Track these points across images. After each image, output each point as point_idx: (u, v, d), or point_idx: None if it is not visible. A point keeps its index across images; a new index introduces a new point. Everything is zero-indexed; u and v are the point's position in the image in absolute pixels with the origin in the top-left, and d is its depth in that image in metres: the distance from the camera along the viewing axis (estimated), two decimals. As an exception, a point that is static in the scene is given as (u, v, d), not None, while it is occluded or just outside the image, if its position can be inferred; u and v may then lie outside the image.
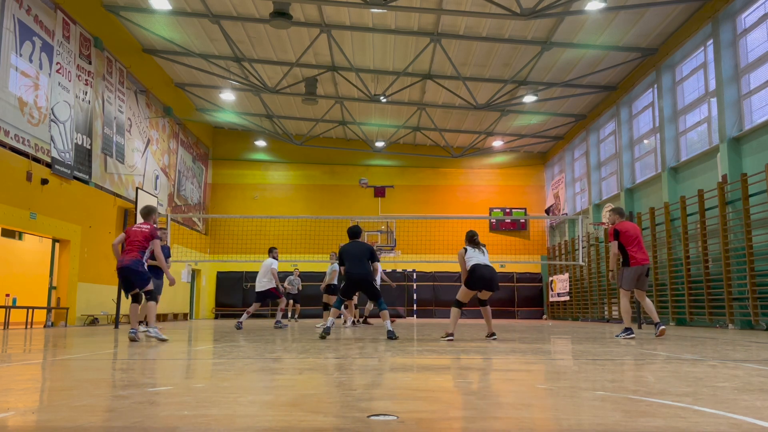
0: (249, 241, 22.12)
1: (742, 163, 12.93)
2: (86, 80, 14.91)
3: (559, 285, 23.76)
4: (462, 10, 14.69)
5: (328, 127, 24.41)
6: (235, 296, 25.53)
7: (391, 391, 3.06)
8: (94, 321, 15.01)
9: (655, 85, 16.79)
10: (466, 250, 7.97)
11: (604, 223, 19.01)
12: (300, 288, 18.31)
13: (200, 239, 24.11)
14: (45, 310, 13.88)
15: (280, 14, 14.21)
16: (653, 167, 17.27)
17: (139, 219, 17.43)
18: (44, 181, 12.97)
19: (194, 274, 24.21)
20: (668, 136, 15.92)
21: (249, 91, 20.64)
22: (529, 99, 19.54)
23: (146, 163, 18.79)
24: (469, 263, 7.81)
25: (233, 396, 2.85)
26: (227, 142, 26.62)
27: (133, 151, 17.74)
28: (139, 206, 16.87)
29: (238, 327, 11.57)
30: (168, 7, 15.24)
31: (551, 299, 24.85)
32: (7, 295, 14.66)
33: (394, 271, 24.31)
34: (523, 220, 26.30)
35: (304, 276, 19.85)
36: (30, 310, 13.16)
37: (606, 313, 19.63)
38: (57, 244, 14.18)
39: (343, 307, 9.66)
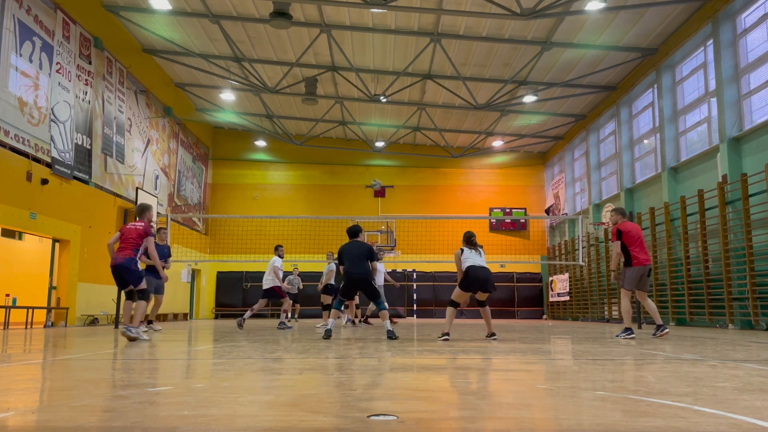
0: (249, 241, 22.13)
1: (742, 163, 12.93)
2: (86, 80, 14.91)
3: (559, 285, 23.76)
4: (462, 10, 14.69)
5: (328, 127, 24.41)
6: (235, 296, 25.52)
7: (391, 391, 3.06)
8: (94, 321, 15.01)
9: (655, 85, 16.79)
10: (462, 250, 7.96)
11: (604, 223, 19.02)
12: (300, 287, 18.30)
13: (200, 239, 24.11)
14: (45, 310, 13.88)
15: (280, 14, 14.21)
16: (653, 167, 17.27)
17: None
18: (44, 181, 12.98)
19: (194, 274, 24.21)
20: (668, 136, 15.93)
21: (249, 91, 20.65)
22: (529, 99, 19.54)
23: (146, 163, 18.79)
24: (465, 264, 7.81)
25: (233, 396, 2.85)
26: (227, 142, 26.63)
27: (133, 151, 17.74)
28: (139, 206, 16.91)
29: (240, 325, 11.54)
30: (168, 7, 15.24)
31: (551, 299, 24.85)
32: (7, 295, 14.66)
33: (394, 271, 24.29)
34: (523, 220, 26.30)
35: (304, 276, 19.85)
36: (30, 310, 13.16)
37: (606, 313, 19.63)
38: (57, 244, 14.18)
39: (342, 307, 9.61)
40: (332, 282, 13.99)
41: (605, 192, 20.85)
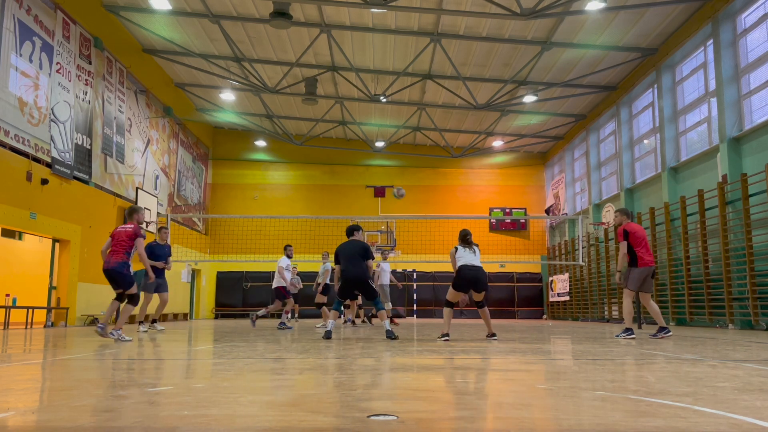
0: (249, 241, 22.14)
1: (742, 163, 12.93)
2: (86, 80, 14.91)
3: (559, 285, 23.76)
4: (462, 10, 14.69)
5: (328, 127, 24.41)
6: (235, 296, 25.53)
7: (391, 391, 3.06)
8: (94, 321, 15.00)
9: (655, 85, 16.79)
10: (457, 249, 7.95)
11: (604, 223, 19.02)
12: (300, 287, 18.29)
13: (200, 239, 24.11)
14: (45, 310, 13.88)
15: (280, 14, 14.21)
16: (653, 167, 17.27)
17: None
18: (44, 181, 12.97)
19: (194, 274, 24.21)
20: (668, 136, 15.93)
21: (249, 91, 20.65)
22: (529, 99, 19.54)
23: (146, 163, 18.79)
24: (458, 263, 7.80)
25: (233, 396, 2.85)
26: (227, 142, 26.63)
27: (133, 151, 17.74)
28: (140, 206, 16.91)
29: (253, 322, 11.57)
30: (168, 7, 15.24)
31: (551, 299, 24.85)
32: (7, 295, 14.66)
33: (394, 271, 24.28)
34: (523, 220, 26.30)
35: (304, 276, 19.84)
36: (30, 310, 13.16)
37: (606, 313, 19.63)
38: (57, 244, 14.18)
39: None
40: (327, 281, 13.94)
41: (605, 192, 20.85)
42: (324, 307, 13.00)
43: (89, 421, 2.26)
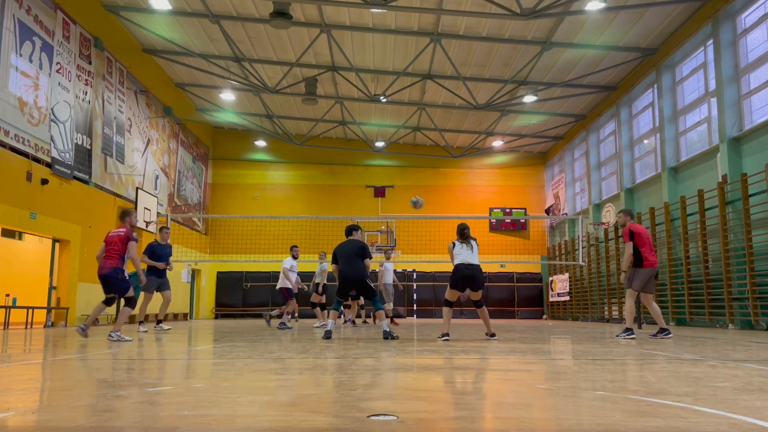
0: (249, 241, 22.14)
1: (742, 163, 12.93)
2: (86, 80, 14.91)
3: (559, 285, 23.76)
4: (462, 10, 14.69)
5: (328, 127, 24.41)
6: (235, 296, 25.52)
7: (391, 391, 3.06)
8: (94, 321, 14.99)
9: (655, 85, 16.79)
10: (454, 244, 7.92)
11: (604, 223, 19.02)
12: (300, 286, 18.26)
13: (200, 239, 24.11)
14: (45, 310, 13.88)
15: (280, 14, 14.20)
16: (653, 167, 17.27)
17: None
18: (44, 181, 12.97)
19: (194, 274, 24.21)
20: (668, 136, 15.93)
21: (249, 91, 20.65)
22: (529, 99, 19.54)
23: (146, 163, 18.79)
24: (455, 261, 7.79)
25: (233, 396, 2.85)
26: (227, 142, 26.63)
27: (133, 151, 17.74)
28: (140, 206, 16.91)
29: (267, 321, 11.58)
30: (168, 7, 15.24)
31: (551, 299, 24.85)
32: (7, 295, 14.66)
33: (394, 271, 24.28)
34: (523, 220, 26.30)
35: (304, 276, 19.82)
36: (30, 310, 13.16)
37: (606, 313, 19.63)
38: (57, 244, 14.18)
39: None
40: (326, 281, 13.89)
41: (605, 192, 20.85)
42: (317, 308, 12.98)
43: (89, 421, 2.26)
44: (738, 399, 2.79)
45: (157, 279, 10.58)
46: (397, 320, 14.02)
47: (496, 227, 26.28)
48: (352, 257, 8.16)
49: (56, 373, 4.09)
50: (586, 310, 21.40)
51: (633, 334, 8.27)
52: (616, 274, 18.80)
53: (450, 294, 7.87)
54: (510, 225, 26.46)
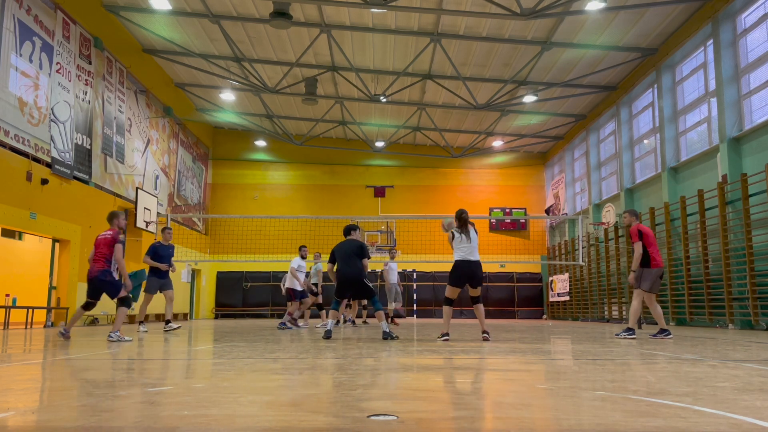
0: (249, 241, 22.13)
1: (742, 163, 12.93)
2: (86, 80, 14.91)
3: (559, 285, 23.76)
4: (462, 10, 14.69)
5: (328, 127, 24.41)
6: (235, 296, 25.53)
7: (391, 391, 3.06)
8: (94, 321, 15.01)
9: (655, 85, 16.79)
10: (453, 234, 7.83)
11: (604, 223, 19.02)
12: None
13: (200, 239, 24.11)
14: (45, 310, 13.88)
15: (280, 14, 14.20)
16: (653, 167, 17.27)
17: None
18: (44, 181, 12.97)
19: (194, 274, 24.21)
20: (668, 136, 15.93)
21: (249, 91, 20.65)
22: (529, 99, 19.54)
23: (146, 163, 18.79)
24: (455, 256, 7.75)
25: (233, 396, 2.85)
26: (227, 142, 26.63)
27: (133, 151, 17.74)
28: (140, 206, 16.90)
29: (294, 322, 11.63)
30: (168, 7, 15.24)
31: (551, 299, 24.85)
32: (7, 295, 14.66)
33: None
34: (523, 220, 26.30)
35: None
36: (30, 310, 13.16)
37: (606, 313, 19.64)
38: (57, 244, 14.17)
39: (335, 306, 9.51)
40: (321, 282, 13.86)
41: (605, 192, 20.85)
42: (307, 309, 12.98)
43: (89, 421, 2.26)
44: (738, 399, 2.79)
45: (159, 280, 10.55)
46: (397, 320, 14.01)
47: (496, 227, 26.28)
48: (350, 257, 8.13)
49: (56, 373, 4.09)
50: (586, 310, 21.40)
51: (634, 334, 8.28)
52: (616, 274, 18.81)
53: (450, 291, 7.81)
54: (510, 225, 26.46)
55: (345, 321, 13.92)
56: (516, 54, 17.25)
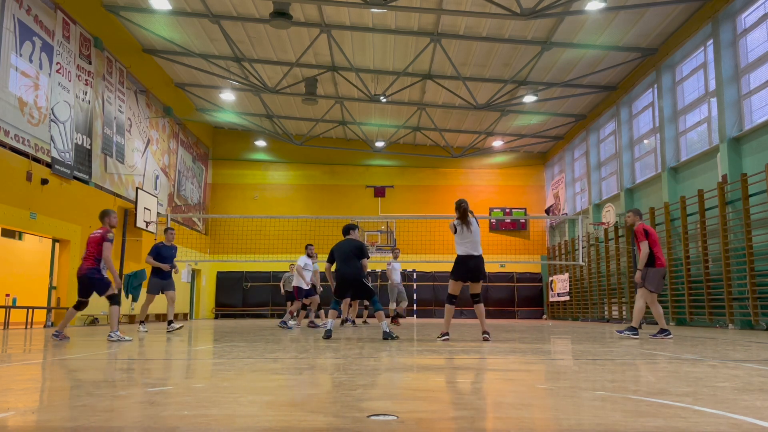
0: (249, 241, 22.13)
1: (742, 163, 12.93)
2: (86, 80, 14.91)
3: (559, 285, 23.76)
4: (462, 10, 14.69)
5: (328, 127, 24.41)
6: (235, 296, 25.53)
7: (391, 391, 3.06)
8: (94, 321, 15.01)
9: (655, 85, 16.79)
10: (455, 228, 7.75)
11: (604, 223, 19.02)
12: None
13: (200, 239, 24.11)
14: (45, 310, 13.88)
15: (280, 14, 14.20)
16: (653, 167, 17.27)
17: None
18: (44, 181, 12.97)
19: (194, 274, 24.21)
20: (668, 136, 15.93)
21: (249, 91, 20.65)
22: (529, 99, 19.54)
23: (146, 163, 18.79)
24: (457, 250, 7.73)
25: (233, 396, 2.85)
26: (227, 142, 26.63)
27: (133, 151, 17.74)
28: (140, 206, 16.91)
29: (311, 324, 11.64)
30: (168, 7, 15.24)
31: (551, 299, 24.86)
32: (7, 295, 14.67)
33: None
34: (523, 220, 26.30)
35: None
36: (30, 310, 13.16)
37: (606, 313, 19.64)
38: (57, 244, 14.17)
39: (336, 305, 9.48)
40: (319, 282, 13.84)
41: (605, 192, 20.85)
42: (300, 310, 12.96)
43: (89, 421, 2.26)
44: (738, 399, 2.79)
45: (162, 281, 10.52)
46: (398, 321, 13.98)
47: (496, 227, 26.28)
48: (349, 257, 8.12)
49: (56, 373, 4.09)
50: (586, 310, 21.40)
51: (637, 333, 8.29)
52: (616, 274, 18.81)
53: (453, 286, 7.74)
54: (510, 225, 26.46)
55: (344, 321, 13.90)
56: (516, 54, 17.25)
